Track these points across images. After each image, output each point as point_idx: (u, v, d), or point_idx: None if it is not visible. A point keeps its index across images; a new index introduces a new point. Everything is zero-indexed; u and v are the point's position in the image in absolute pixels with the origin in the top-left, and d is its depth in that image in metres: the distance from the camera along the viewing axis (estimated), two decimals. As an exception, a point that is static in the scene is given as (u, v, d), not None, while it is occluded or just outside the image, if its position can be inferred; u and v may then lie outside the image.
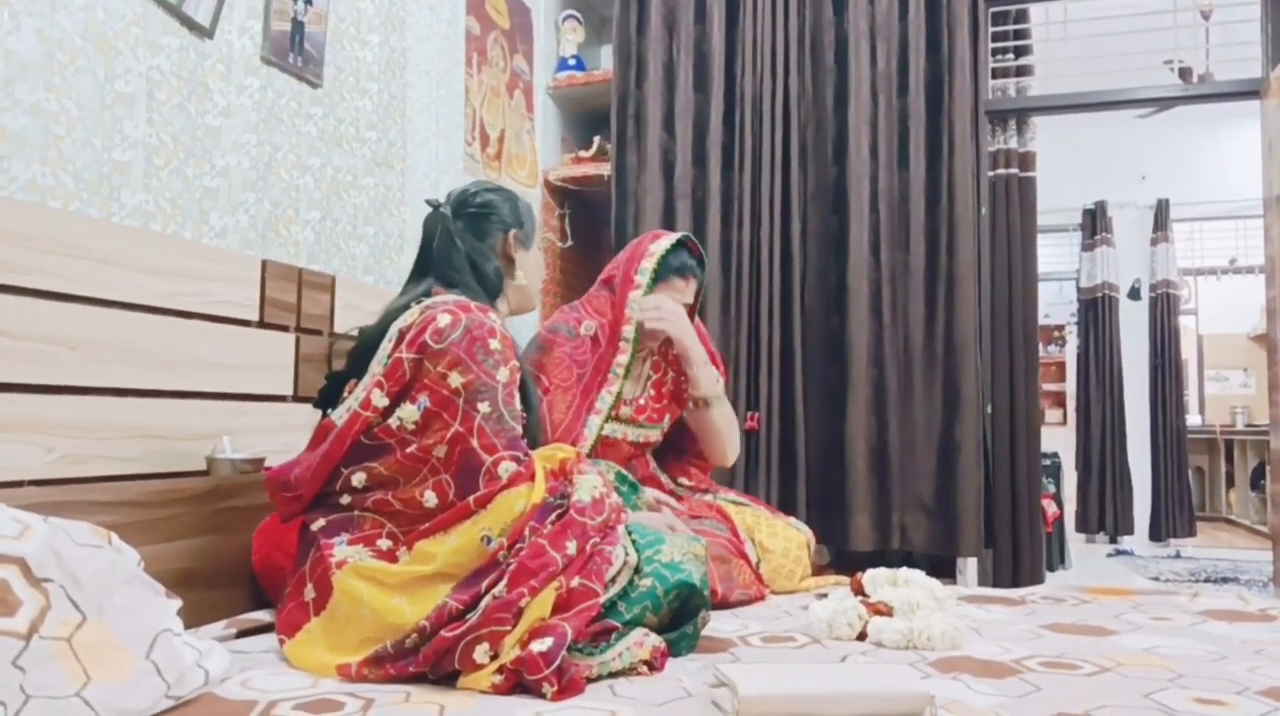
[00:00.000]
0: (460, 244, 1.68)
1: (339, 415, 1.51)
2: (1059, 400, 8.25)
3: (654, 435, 2.32)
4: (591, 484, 1.50)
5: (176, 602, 1.26)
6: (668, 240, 2.26)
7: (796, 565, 2.19)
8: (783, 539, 2.21)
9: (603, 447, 2.20)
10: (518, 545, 1.40)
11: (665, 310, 2.19)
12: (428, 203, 1.76)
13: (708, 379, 2.27)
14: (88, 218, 1.70)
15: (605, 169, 3.53)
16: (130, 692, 1.09)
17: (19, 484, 1.45)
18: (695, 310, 2.36)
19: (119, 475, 1.63)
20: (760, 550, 2.15)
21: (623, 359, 2.19)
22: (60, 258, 1.54)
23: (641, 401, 2.27)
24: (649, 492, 2.11)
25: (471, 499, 1.43)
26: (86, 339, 1.59)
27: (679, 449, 2.45)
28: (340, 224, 2.43)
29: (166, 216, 1.90)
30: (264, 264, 2.01)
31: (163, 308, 1.75)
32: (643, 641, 1.41)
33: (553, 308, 3.63)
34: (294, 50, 2.24)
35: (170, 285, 1.76)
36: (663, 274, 2.25)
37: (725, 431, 2.33)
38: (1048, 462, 5.24)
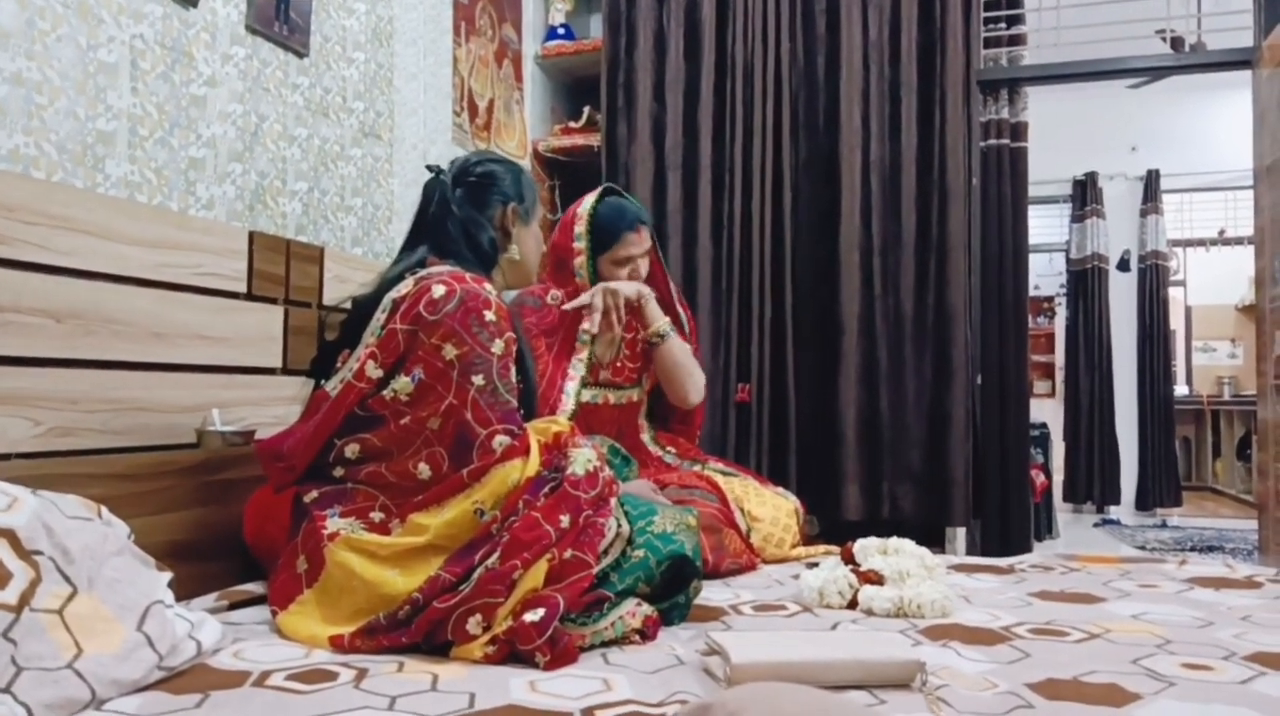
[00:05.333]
0: (457, 212, 1.66)
1: (332, 386, 1.51)
2: (1048, 371, 8.30)
3: (635, 394, 2.33)
4: (585, 457, 1.50)
5: (168, 574, 1.26)
6: (591, 196, 2.26)
7: (786, 533, 2.20)
8: (771, 507, 2.21)
9: (586, 414, 2.19)
10: (511, 518, 1.40)
11: (597, 294, 2.15)
12: (428, 168, 1.73)
13: (656, 313, 2.25)
14: (72, 189, 1.68)
15: (595, 140, 3.51)
16: (122, 664, 1.09)
17: (7, 457, 1.44)
18: (656, 253, 2.36)
19: (108, 448, 1.62)
20: (749, 519, 2.16)
21: (587, 324, 2.18)
22: (45, 229, 1.52)
23: (618, 363, 2.29)
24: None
25: (465, 472, 1.43)
26: (72, 311, 1.57)
27: (662, 417, 2.46)
28: (328, 195, 2.41)
29: (152, 187, 1.88)
30: (251, 235, 1.99)
31: (150, 280, 1.73)
32: (635, 611, 1.42)
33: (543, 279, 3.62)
34: (279, 18, 2.21)
35: (157, 257, 1.74)
36: (613, 234, 2.22)
37: (686, 365, 2.31)
38: (1036, 433, 5.26)
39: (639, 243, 2.26)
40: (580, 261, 2.22)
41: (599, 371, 2.24)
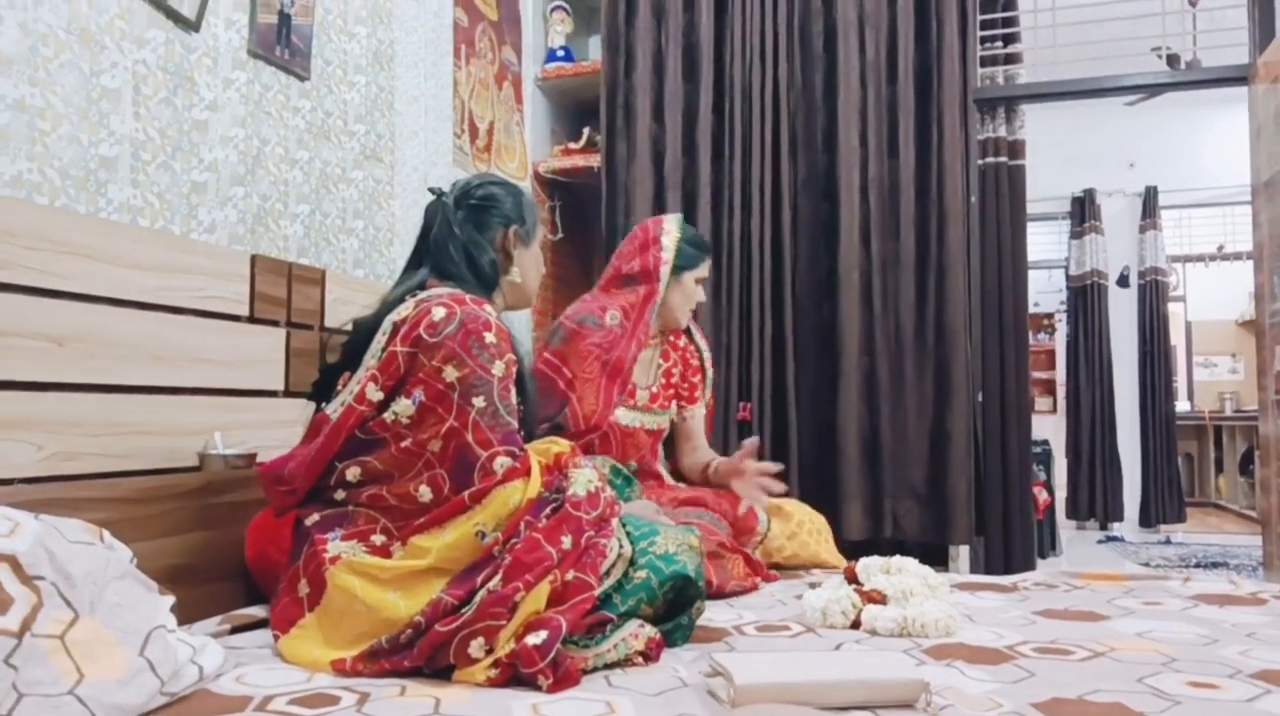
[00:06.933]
0: (458, 233, 1.67)
1: (333, 409, 1.51)
2: (1049, 388, 8.29)
3: (664, 422, 2.40)
4: (587, 478, 1.50)
5: (170, 599, 1.26)
6: (675, 220, 2.37)
7: (811, 537, 2.30)
8: (797, 509, 2.33)
9: (623, 438, 2.26)
10: (513, 540, 1.40)
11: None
12: (430, 190, 1.74)
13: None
14: (74, 213, 1.68)
15: (595, 160, 3.52)
16: (124, 689, 1.09)
17: (9, 482, 1.44)
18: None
19: (110, 472, 1.62)
20: (773, 511, 2.25)
21: (656, 300, 2.28)
22: (47, 254, 1.53)
23: (654, 389, 2.36)
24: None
25: (466, 494, 1.43)
26: (75, 335, 1.58)
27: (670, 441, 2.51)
28: (329, 218, 2.42)
29: (154, 211, 1.89)
30: (253, 258, 2.00)
31: (152, 303, 1.74)
32: (638, 632, 1.41)
33: (545, 301, 3.62)
34: (281, 43, 2.23)
35: (159, 281, 1.75)
36: (702, 252, 2.38)
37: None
38: (1038, 450, 5.26)
39: (708, 267, 2.42)
40: (665, 270, 2.29)
41: (638, 392, 2.31)
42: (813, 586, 1.83)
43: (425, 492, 1.44)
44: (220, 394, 1.90)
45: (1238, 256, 7.48)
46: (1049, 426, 7.24)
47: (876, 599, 1.67)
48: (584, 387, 2.16)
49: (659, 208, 3.34)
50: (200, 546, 1.66)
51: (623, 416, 2.26)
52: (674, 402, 2.41)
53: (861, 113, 3.24)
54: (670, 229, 2.33)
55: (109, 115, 1.78)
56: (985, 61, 3.39)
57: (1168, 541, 6.21)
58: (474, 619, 1.32)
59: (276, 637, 1.44)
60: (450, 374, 1.44)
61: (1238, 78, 3.22)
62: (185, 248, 1.86)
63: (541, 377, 2.17)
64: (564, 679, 1.27)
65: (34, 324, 1.50)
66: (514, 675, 1.29)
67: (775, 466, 2.31)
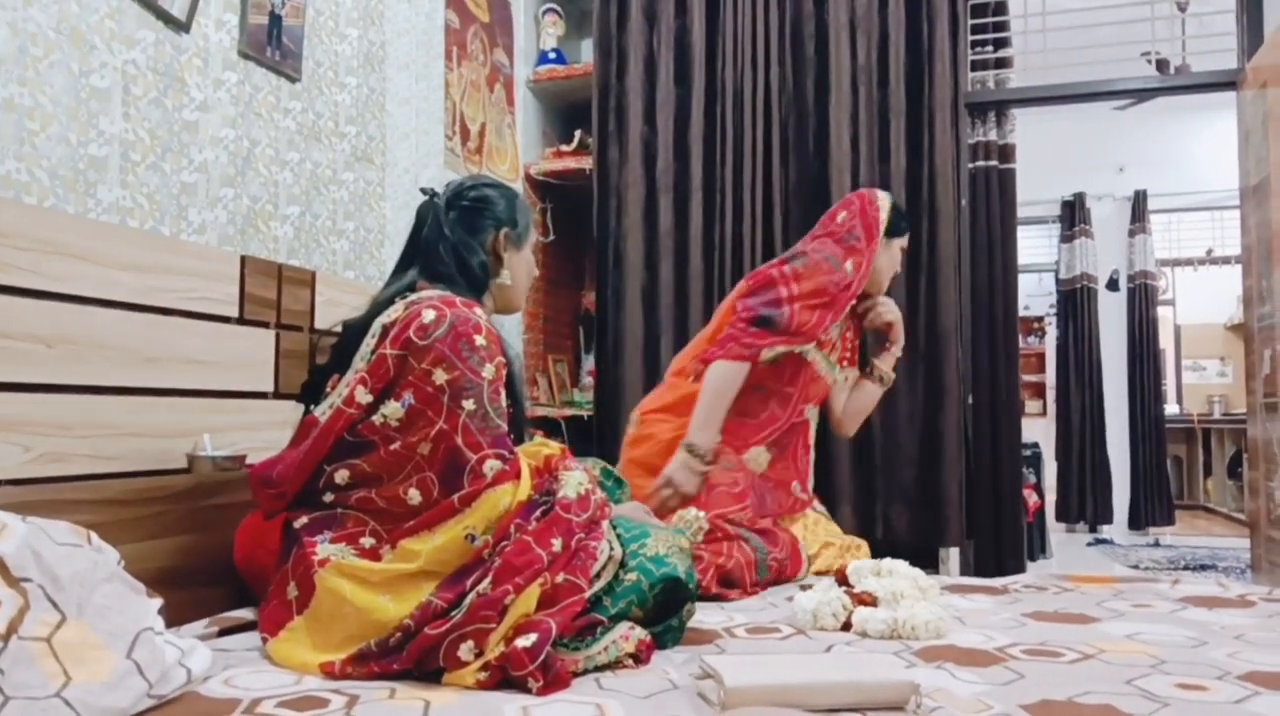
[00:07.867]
0: (449, 234, 1.66)
1: (322, 411, 1.50)
2: (1039, 391, 8.32)
3: (838, 379, 2.46)
4: (577, 480, 1.50)
5: (158, 601, 1.25)
6: (884, 193, 2.43)
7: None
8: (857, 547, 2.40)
9: (810, 380, 2.33)
10: (502, 542, 1.40)
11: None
12: (422, 191, 1.73)
13: (892, 366, 2.52)
14: (64, 214, 1.68)
15: (586, 163, 3.53)
16: (111, 692, 1.08)
17: (-3, 483, 1.44)
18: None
19: (98, 474, 1.61)
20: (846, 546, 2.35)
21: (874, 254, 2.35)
22: (36, 254, 1.52)
23: (838, 347, 2.44)
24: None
25: (456, 497, 1.42)
26: (64, 336, 1.57)
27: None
28: (320, 219, 2.42)
29: (144, 212, 1.88)
30: (243, 260, 1.99)
31: (141, 304, 1.73)
32: (628, 634, 1.41)
33: (537, 303, 3.62)
34: (271, 44, 2.22)
35: (149, 282, 1.74)
36: (908, 225, 2.47)
37: (868, 410, 2.56)
38: (1028, 453, 5.28)
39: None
40: (881, 230, 2.36)
41: (831, 347, 2.40)
42: (804, 588, 1.83)
43: (414, 495, 1.44)
44: (209, 396, 1.89)
45: (1226, 260, 7.51)
46: (1039, 429, 7.26)
47: (867, 601, 1.67)
48: (803, 304, 2.23)
49: (650, 210, 3.34)
50: (189, 548, 1.65)
51: (819, 363, 2.34)
52: (844, 364, 2.48)
53: (853, 116, 3.25)
54: (882, 197, 2.41)
55: (98, 115, 1.78)
56: (976, 65, 3.40)
57: (1157, 544, 6.23)
58: (463, 621, 1.31)
59: (265, 640, 1.43)
60: (440, 377, 1.44)
61: (1226, 83, 3.24)
62: (175, 249, 1.85)
63: (768, 281, 2.28)
64: (554, 681, 1.27)
65: (22, 325, 1.50)
66: (504, 678, 1.28)
67: None
